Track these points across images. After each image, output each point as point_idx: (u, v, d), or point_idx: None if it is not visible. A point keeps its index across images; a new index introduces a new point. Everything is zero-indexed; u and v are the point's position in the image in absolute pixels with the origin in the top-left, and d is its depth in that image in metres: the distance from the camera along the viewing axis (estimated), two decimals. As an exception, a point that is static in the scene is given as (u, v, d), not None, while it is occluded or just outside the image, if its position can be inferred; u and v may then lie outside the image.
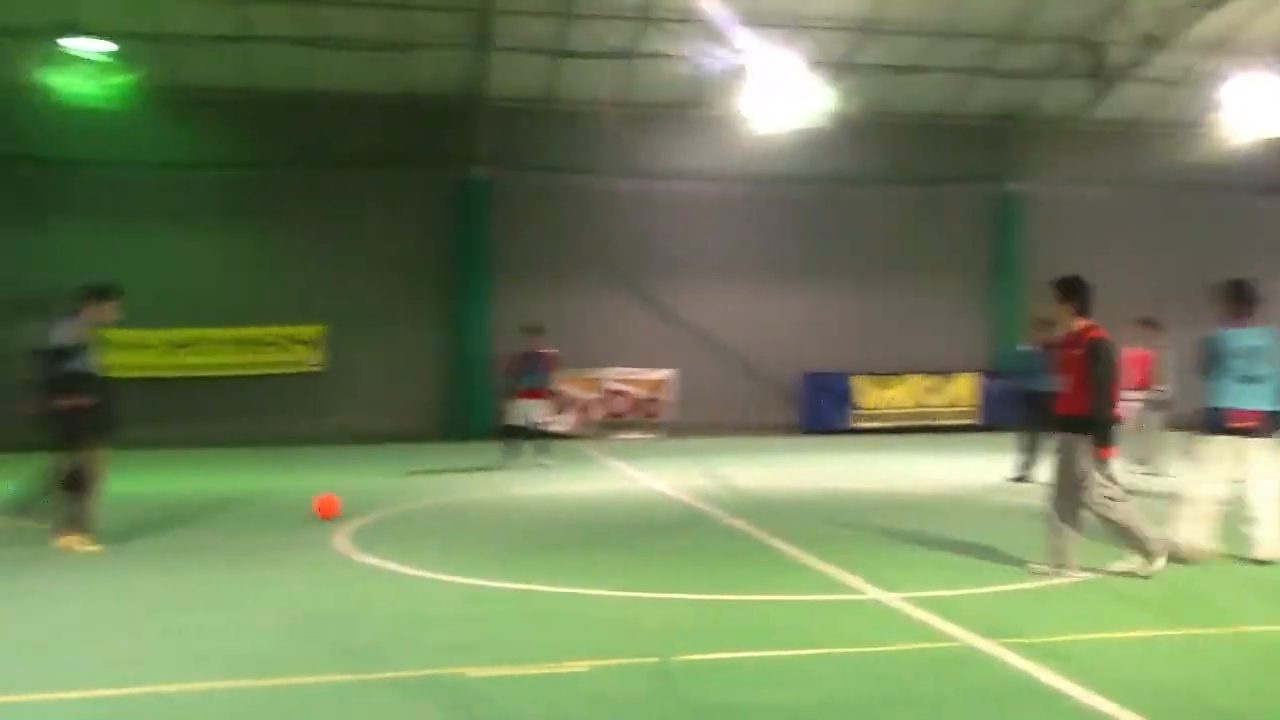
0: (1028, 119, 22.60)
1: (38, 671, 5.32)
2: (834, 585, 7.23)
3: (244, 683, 5.07)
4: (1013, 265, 22.67)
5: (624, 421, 21.05)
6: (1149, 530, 7.39)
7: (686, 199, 22.09)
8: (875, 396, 21.74)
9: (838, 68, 19.92)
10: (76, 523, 8.55)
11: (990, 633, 5.80)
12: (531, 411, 15.23)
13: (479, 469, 14.98)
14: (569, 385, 20.61)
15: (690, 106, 21.55)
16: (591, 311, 21.49)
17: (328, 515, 9.97)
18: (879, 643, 5.73)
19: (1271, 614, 6.47)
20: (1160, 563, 7.32)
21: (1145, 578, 7.25)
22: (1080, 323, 7.52)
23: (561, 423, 20.50)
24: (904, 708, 4.72)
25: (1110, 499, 7.28)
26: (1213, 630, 6.04)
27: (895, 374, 21.77)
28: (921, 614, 6.31)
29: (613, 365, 21.22)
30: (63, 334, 8.52)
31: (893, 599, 6.72)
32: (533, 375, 15.16)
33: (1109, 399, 7.22)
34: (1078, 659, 5.36)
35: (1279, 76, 19.16)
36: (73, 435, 8.48)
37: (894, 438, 20.55)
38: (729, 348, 22.01)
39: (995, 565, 7.83)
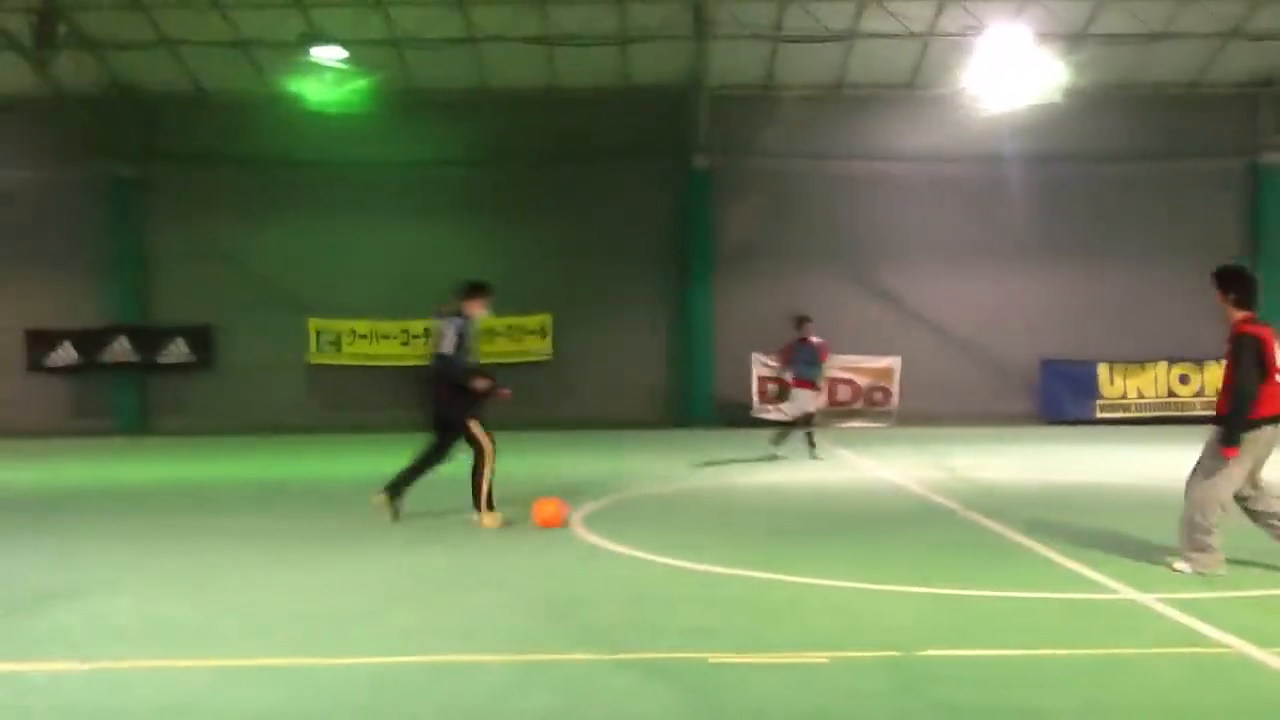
0: (1287, 84, 20.90)
1: (336, 636, 5.71)
2: (1081, 582, 6.88)
3: (505, 657, 5.28)
4: (1269, 243, 20.99)
5: (849, 410, 20.73)
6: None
7: (911, 181, 21.54)
8: (1120, 385, 20.57)
9: (1072, 39, 18.95)
10: (489, 501, 9.25)
11: (1262, 641, 5.39)
12: (805, 401, 15.01)
13: (764, 458, 14.71)
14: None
15: (914, 86, 21.02)
16: (814, 298, 21.23)
17: (550, 525, 9.18)
18: (1136, 645, 5.41)
19: None
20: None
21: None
22: (1238, 315, 7.07)
23: (784, 411, 20.41)
24: (1170, 717, 4.43)
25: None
26: None
27: (1141, 362, 20.52)
28: (1180, 616, 5.93)
29: (837, 353, 20.93)
30: (453, 332, 9.25)
31: (1148, 599, 6.34)
32: (805, 364, 14.99)
33: (1241, 395, 6.78)
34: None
35: None
36: (467, 422, 9.22)
37: (1141, 429, 19.41)
38: (959, 334, 21.35)
39: (1255, 568, 7.26)
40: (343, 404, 21.79)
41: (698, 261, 21.54)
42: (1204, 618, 5.86)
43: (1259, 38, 19.56)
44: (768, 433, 15.74)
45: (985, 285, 21.44)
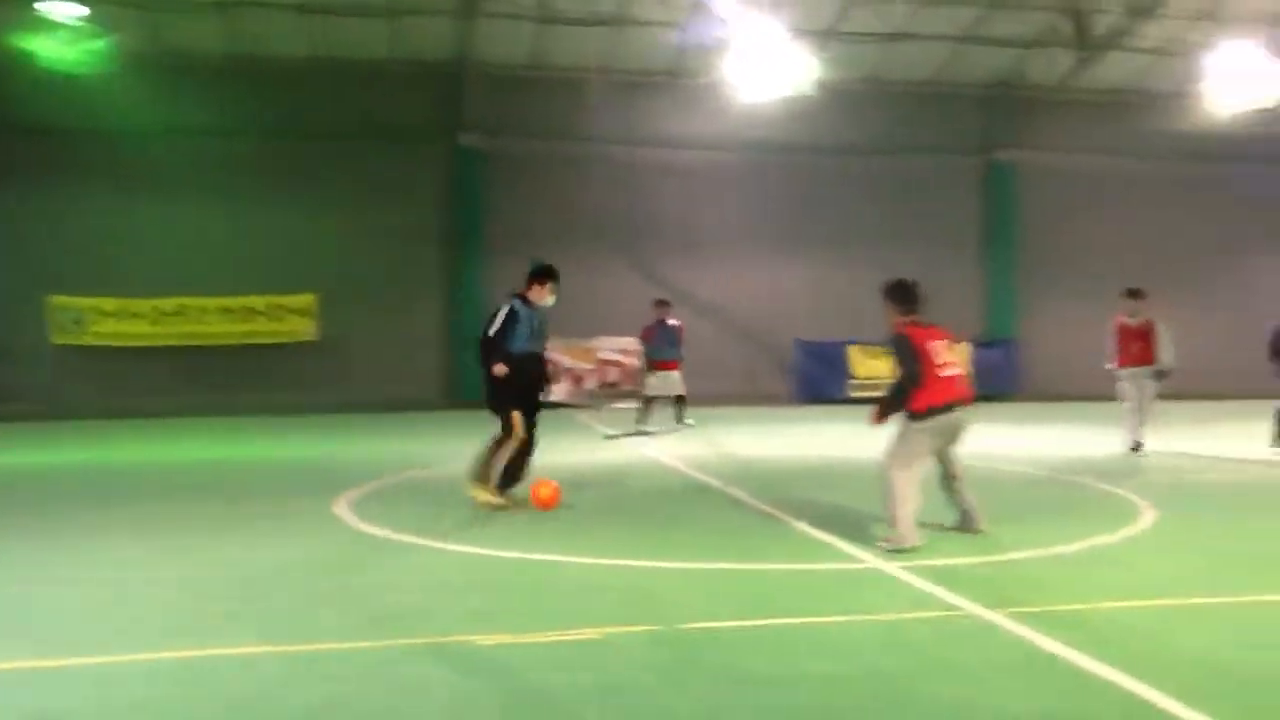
0: (1018, 88, 22.58)
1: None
2: (837, 554, 7.28)
3: (273, 648, 5.10)
4: (1006, 235, 22.73)
5: (620, 391, 21.07)
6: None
7: (680, 167, 22.06)
8: (868, 365, 21.80)
9: (824, 35, 19.86)
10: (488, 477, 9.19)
11: (995, 601, 5.86)
12: (668, 382, 15.88)
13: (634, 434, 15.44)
14: (564, 354, 20.65)
15: (679, 74, 21.48)
16: (585, 280, 21.47)
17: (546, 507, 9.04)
18: (888, 611, 5.77)
19: (1273, 585, 6.54)
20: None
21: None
22: (897, 318, 7.96)
23: (557, 392, 20.56)
24: (925, 677, 4.74)
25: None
26: (1226, 600, 6.09)
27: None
28: (923, 583, 6.37)
29: (607, 335, 21.22)
30: (502, 314, 9.29)
31: (893, 568, 6.77)
32: (668, 346, 15.92)
33: (900, 385, 7.65)
34: (1085, 628, 5.42)
35: (1264, 47, 19.14)
36: (510, 409, 9.30)
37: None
38: (725, 317, 22.06)
39: (997, 535, 7.90)
40: (90, 387, 20.33)
41: (471, 242, 21.35)
42: (941, 582, 6.31)
43: (993, 43, 21.09)
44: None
45: (749, 269, 22.25)
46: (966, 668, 4.86)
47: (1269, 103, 20.60)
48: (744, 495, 9.82)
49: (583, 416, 18.95)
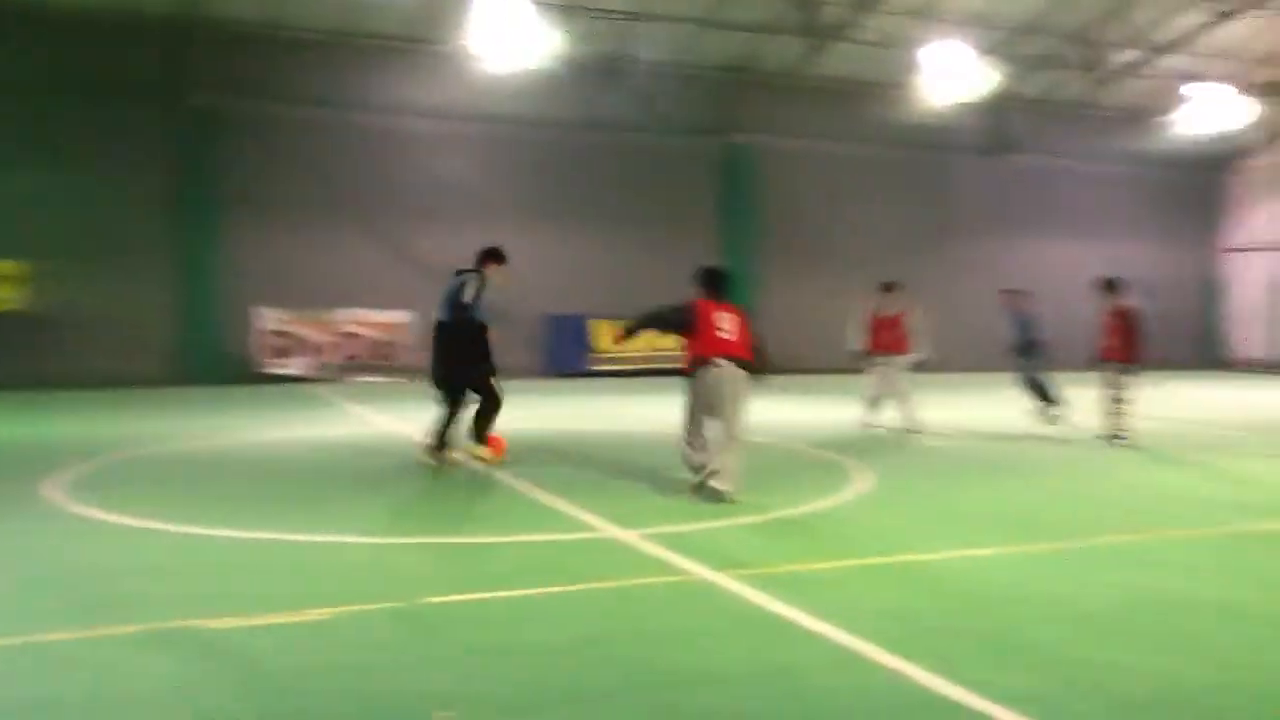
0: (753, 73, 23.47)
1: None
2: (574, 524, 7.44)
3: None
4: (742, 215, 23.66)
5: (362, 365, 20.58)
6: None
7: (424, 137, 21.68)
8: (611, 339, 22.22)
9: (569, 10, 20.00)
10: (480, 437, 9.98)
11: (721, 564, 6.17)
12: None
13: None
14: (302, 327, 19.96)
15: (423, 41, 21.08)
16: (324, 250, 20.84)
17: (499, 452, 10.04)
18: (620, 578, 5.97)
19: (970, 540, 7.19)
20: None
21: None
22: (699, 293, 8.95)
23: (295, 365, 19.85)
24: (650, 641, 4.96)
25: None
26: (920, 557, 6.65)
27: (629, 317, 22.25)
28: (657, 549, 6.62)
29: (348, 307, 20.66)
30: (472, 285, 10.00)
31: (629, 536, 7.00)
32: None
33: (646, 321, 9.08)
34: (802, 587, 5.80)
35: (971, 46, 20.72)
36: (486, 378, 10.06)
37: (630, 380, 21.12)
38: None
39: (723, 501, 8.29)
40: None
41: (202, 210, 20.22)
42: (675, 548, 6.59)
43: (730, 27, 21.84)
44: (272, 388, 15.21)
45: (493, 241, 22.12)
46: (688, 630, 5.11)
47: (977, 96, 22.39)
48: (486, 468, 9.85)
49: (324, 390, 18.41)
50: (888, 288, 13.83)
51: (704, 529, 7.30)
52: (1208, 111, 23.93)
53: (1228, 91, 23.60)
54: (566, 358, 21.82)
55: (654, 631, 5.09)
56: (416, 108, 21.34)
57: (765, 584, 5.79)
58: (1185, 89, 23.76)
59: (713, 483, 8.32)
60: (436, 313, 10.11)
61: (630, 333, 9.13)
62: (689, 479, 8.63)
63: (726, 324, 8.72)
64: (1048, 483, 9.78)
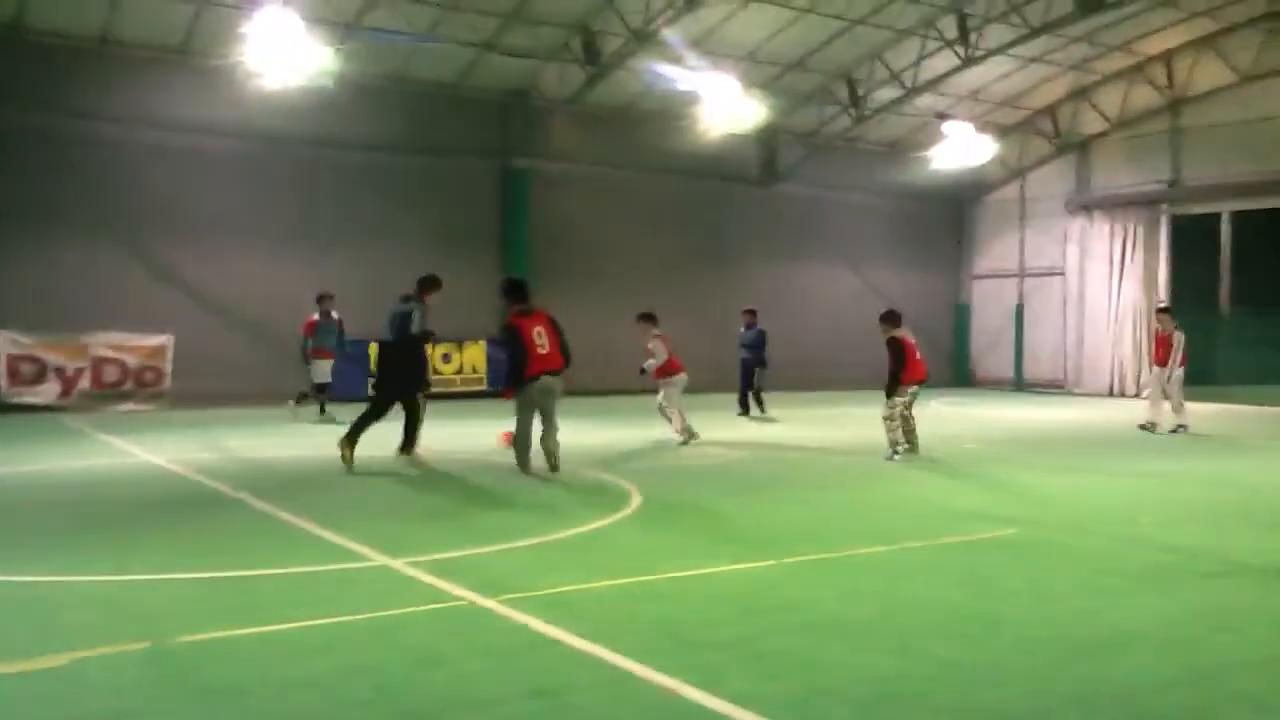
0: (533, 97, 23.62)
1: None
2: (341, 554, 7.28)
3: None
4: (520, 239, 23.70)
5: (118, 392, 19.36)
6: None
7: (192, 153, 20.68)
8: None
9: (347, 28, 19.63)
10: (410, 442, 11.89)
11: (492, 589, 6.17)
12: (325, 370, 17.75)
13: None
14: (50, 352, 18.66)
15: (190, 53, 20.19)
16: (77, 270, 19.56)
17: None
18: (387, 607, 5.88)
19: (736, 555, 7.45)
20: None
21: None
22: (511, 311, 11.26)
23: (42, 394, 18.53)
24: (419, 668, 4.91)
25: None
26: (689, 572, 6.84)
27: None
28: (427, 576, 6.56)
29: (102, 330, 19.41)
30: (419, 314, 11.67)
31: (398, 563, 6.91)
32: (327, 336, 17.78)
33: (511, 361, 11.06)
34: (573, 608, 5.87)
35: (744, 80, 21.55)
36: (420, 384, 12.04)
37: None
38: (238, 312, 21.00)
39: (497, 524, 8.30)
40: None
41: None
42: (446, 575, 6.54)
43: (511, 53, 21.92)
44: (17, 418, 14.19)
45: (265, 263, 21.36)
46: (456, 656, 5.10)
47: (749, 128, 23.26)
48: (252, 499, 9.49)
49: (75, 420, 17.24)
50: (645, 318, 15.48)
51: (474, 554, 7.28)
52: (957, 148, 25.69)
53: (972, 130, 25.42)
54: (346, 382, 21.19)
55: (422, 659, 5.04)
56: (184, 122, 20.36)
57: (534, 607, 5.83)
58: (938, 126, 25.44)
59: (550, 464, 10.96)
60: (383, 333, 12.10)
61: (512, 385, 11.13)
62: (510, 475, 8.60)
63: (541, 338, 10.88)
64: (815, 496, 10.24)
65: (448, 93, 22.88)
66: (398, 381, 11.82)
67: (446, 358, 22.29)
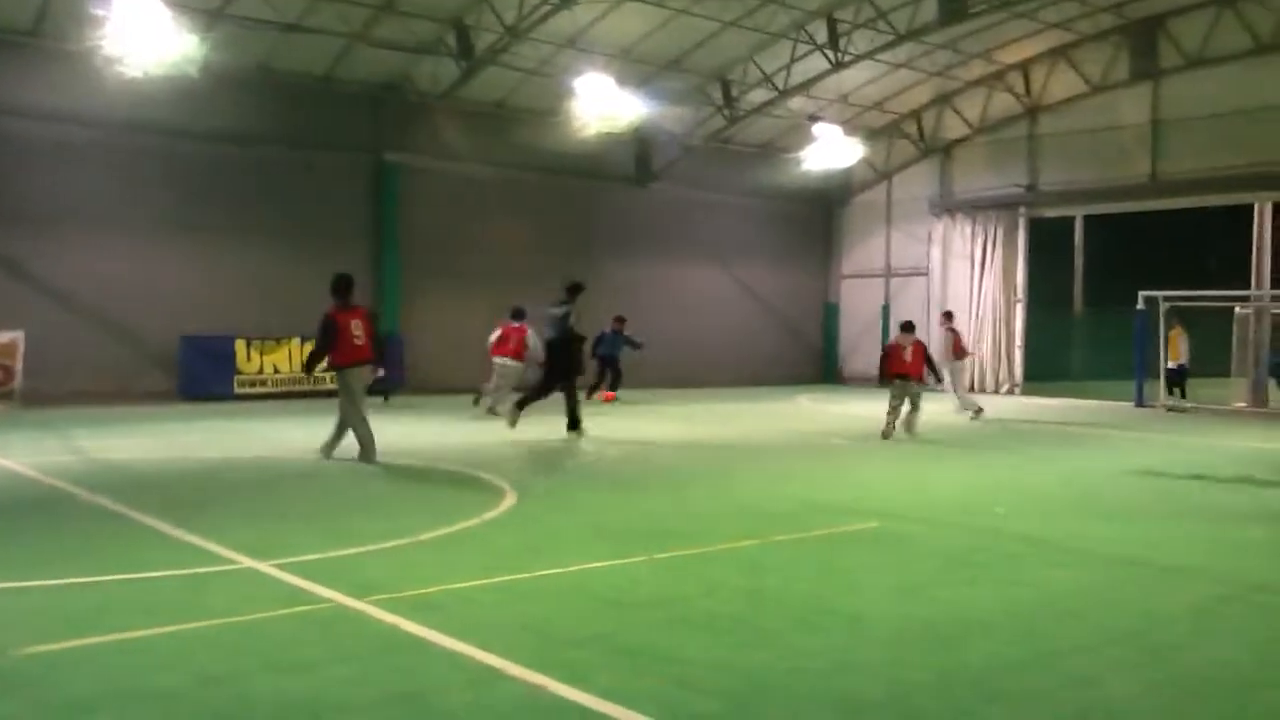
0: (406, 92, 23.30)
1: None
2: (203, 557, 7.09)
3: None
4: (393, 233, 23.35)
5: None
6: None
7: (46, 142, 19.77)
8: (257, 361, 21.23)
9: (212, 15, 19.05)
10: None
11: (360, 591, 6.10)
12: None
13: None
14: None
15: (42, 35, 19.31)
16: (-84, 264, 18.54)
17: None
18: (252, 611, 5.76)
19: (606, 553, 7.51)
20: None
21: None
22: (332, 305, 12.02)
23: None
24: (281, 674, 4.83)
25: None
26: (558, 570, 6.87)
27: (279, 338, 21.37)
28: (293, 579, 6.45)
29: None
30: (566, 316, 14.21)
31: (265, 566, 6.77)
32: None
33: (316, 349, 12.18)
34: (441, 608, 5.85)
35: (612, 77, 21.61)
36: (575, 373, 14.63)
37: (277, 403, 20.28)
38: (94, 308, 20.17)
39: (369, 525, 8.19)
40: None
41: None
42: (314, 577, 6.44)
43: (383, 45, 21.57)
44: None
45: (124, 257, 20.57)
46: (321, 660, 5.03)
47: (623, 127, 23.36)
48: (111, 503, 9.16)
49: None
50: (516, 314, 17.79)
51: (344, 555, 7.18)
52: (827, 150, 26.25)
53: (841, 133, 26.03)
54: (207, 381, 20.58)
55: (285, 664, 4.96)
56: (33, 109, 19.44)
57: (403, 608, 5.79)
58: (809, 129, 25.96)
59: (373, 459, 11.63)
60: (546, 332, 14.70)
61: (310, 369, 12.88)
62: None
63: (357, 329, 11.79)
64: (687, 493, 10.38)
65: (318, 84, 22.39)
66: (560, 370, 14.35)
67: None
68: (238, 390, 20.85)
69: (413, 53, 22.15)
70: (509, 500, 9.47)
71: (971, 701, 4.62)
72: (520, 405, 14.63)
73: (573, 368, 14.55)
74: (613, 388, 22.08)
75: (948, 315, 21.66)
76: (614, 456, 13.29)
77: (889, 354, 15.66)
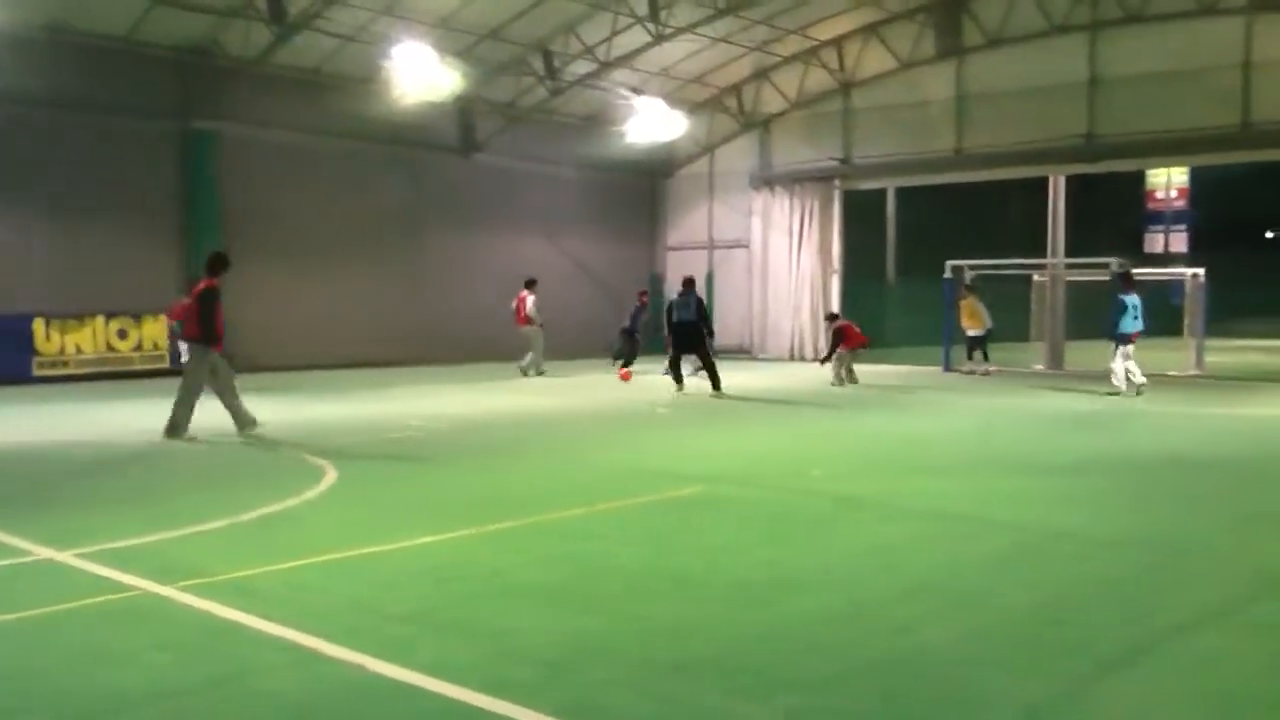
0: (215, 56, 22.23)
1: None
2: (4, 551, 6.65)
3: None
4: (205, 204, 22.31)
5: None
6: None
7: None
8: (58, 341, 19.98)
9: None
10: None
11: (172, 577, 5.84)
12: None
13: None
14: None
15: None
16: None
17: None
18: (48, 604, 5.44)
19: (432, 527, 7.39)
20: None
21: None
22: (205, 278, 12.18)
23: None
24: (88, 666, 4.58)
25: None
26: (381, 547, 6.73)
27: (80, 316, 20.18)
28: (98, 568, 6.12)
29: None
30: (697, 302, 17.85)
31: (66, 556, 6.41)
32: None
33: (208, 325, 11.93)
34: (258, 591, 5.65)
35: (432, 45, 21.19)
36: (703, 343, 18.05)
37: (82, 385, 19.17)
38: None
39: (182, 508, 7.85)
40: None
41: None
42: (121, 565, 6.13)
43: (189, 8, 20.51)
44: None
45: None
46: (133, 650, 4.80)
47: (445, 97, 22.94)
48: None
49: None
50: None
51: (154, 541, 6.86)
52: (650, 123, 26.43)
53: (664, 106, 26.24)
54: (5, 363, 19.25)
55: (93, 656, 4.72)
56: None
57: (217, 592, 5.58)
58: (632, 101, 26.07)
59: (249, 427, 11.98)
60: (679, 315, 17.54)
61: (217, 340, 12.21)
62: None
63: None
64: (514, 464, 10.33)
65: (118, 46, 21.11)
66: (690, 341, 17.52)
67: (123, 334, 20.69)
68: (37, 372, 19.61)
69: (221, 15, 21.15)
70: (331, 477, 9.23)
71: (793, 654, 4.76)
72: (675, 376, 17.97)
73: (700, 340, 17.62)
74: (628, 362, 22.63)
75: (832, 317, 22.75)
76: (442, 430, 13.11)
77: (844, 332, 19.98)
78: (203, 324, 11.80)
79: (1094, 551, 6.79)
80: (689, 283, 18.08)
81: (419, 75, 21.50)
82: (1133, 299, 17.02)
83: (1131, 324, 16.93)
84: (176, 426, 11.65)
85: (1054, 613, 5.44)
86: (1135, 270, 20.23)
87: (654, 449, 11.58)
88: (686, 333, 17.53)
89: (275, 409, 15.19)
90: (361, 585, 5.85)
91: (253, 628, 5.05)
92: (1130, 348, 17.16)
